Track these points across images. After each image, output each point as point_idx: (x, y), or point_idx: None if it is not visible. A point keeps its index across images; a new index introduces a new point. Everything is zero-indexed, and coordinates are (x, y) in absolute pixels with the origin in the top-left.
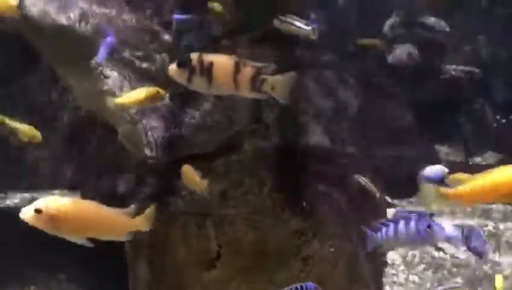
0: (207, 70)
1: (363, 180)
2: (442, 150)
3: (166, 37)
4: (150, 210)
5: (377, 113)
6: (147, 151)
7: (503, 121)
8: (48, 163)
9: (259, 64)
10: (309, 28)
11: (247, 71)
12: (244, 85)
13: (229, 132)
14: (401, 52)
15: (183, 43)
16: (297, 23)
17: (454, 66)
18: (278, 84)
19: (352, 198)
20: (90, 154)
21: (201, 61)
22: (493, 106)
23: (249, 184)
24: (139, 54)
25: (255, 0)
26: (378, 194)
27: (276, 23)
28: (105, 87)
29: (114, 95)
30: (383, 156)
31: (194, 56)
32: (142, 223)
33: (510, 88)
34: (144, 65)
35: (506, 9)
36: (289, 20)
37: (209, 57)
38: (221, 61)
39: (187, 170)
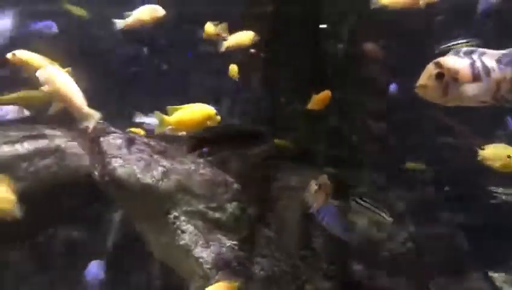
0: None
1: None
2: (499, 278)
3: (235, 186)
4: None
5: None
6: None
7: None
8: None
9: None
10: (388, 218)
11: None
12: None
13: (295, 283)
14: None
15: None
16: (376, 209)
17: (501, 189)
18: None
19: None
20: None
21: None
22: None
23: None
24: (213, 205)
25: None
26: None
27: (352, 205)
28: (182, 242)
29: (189, 250)
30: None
31: None
32: None
33: None
34: (216, 215)
35: None
36: (367, 204)
37: None
38: None
39: None
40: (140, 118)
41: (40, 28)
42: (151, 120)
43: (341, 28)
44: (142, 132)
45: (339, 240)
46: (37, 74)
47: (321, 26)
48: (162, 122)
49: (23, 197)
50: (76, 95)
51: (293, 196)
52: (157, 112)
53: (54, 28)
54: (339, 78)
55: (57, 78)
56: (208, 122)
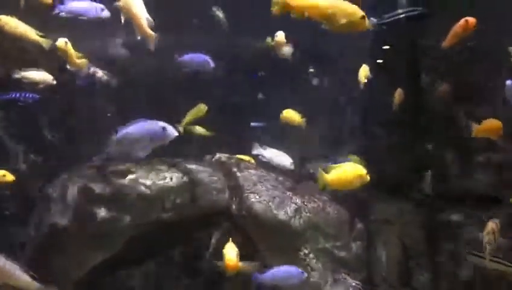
0: None
1: None
2: None
3: (360, 225)
4: None
5: None
6: None
7: None
8: None
9: None
10: None
11: None
12: None
13: None
14: None
15: None
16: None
17: None
18: None
19: None
20: None
21: None
22: None
23: None
24: (338, 243)
25: None
26: None
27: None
28: (312, 280)
29: (319, 287)
30: None
31: None
32: None
33: None
34: (341, 254)
35: None
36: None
37: None
38: None
39: None
40: (258, 150)
41: None
42: (267, 153)
43: (445, 62)
44: (252, 161)
45: None
46: None
47: (385, 47)
48: (321, 180)
49: (165, 225)
50: (143, 18)
51: (391, 230)
52: (320, 170)
53: (211, 64)
54: (436, 112)
55: (132, 2)
56: (359, 182)
